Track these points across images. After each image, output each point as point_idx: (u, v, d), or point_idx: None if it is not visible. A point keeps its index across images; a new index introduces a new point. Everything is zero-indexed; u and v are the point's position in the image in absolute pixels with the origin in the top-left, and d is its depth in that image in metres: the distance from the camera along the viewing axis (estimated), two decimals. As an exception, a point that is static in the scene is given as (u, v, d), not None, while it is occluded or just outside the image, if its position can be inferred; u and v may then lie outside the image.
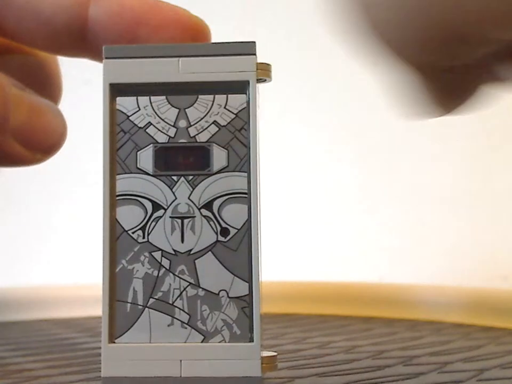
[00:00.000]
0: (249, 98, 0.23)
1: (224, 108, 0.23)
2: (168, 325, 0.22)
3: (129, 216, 0.23)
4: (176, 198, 0.23)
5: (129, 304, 0.22)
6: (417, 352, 0.30)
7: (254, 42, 0.23)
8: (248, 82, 0.23)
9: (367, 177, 0.57)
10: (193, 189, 0.23)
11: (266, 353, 0.22)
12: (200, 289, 0.22)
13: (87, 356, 0.30)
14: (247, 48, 0.23)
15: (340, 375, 0.26)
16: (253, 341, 0.22)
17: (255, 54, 0.23)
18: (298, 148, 0.59)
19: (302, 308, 0.44)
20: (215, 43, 0.23)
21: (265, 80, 0.23)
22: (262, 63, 0.23)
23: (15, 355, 0.31)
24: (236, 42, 0.23)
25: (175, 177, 0.23)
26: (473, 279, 0.51)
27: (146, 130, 0.23)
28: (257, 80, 0.23)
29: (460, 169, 0.55)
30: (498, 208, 0.54)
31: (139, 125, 0.23)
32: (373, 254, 0.56)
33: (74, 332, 0.38)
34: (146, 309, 0.22)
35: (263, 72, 0.23)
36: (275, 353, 0.22)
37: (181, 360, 0.22)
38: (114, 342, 0.22)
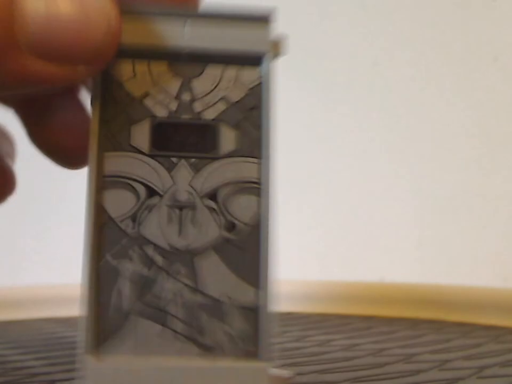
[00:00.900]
0: (264, 73, 0.20)
1: (235, 82, 0.20)
2: (159, 335, 0.19)
3: (118, 201, 0.19)
4: (174, 184, 0.19)
5: (111, 308, 0.19)
6: (417, 350, 0.30)
7: (274, 8, 0.20)
8: (263, 54, 0.20)
9: (367, 178, 0.57)
10: (195, 174, 0.19)
11: (278, 373, 0.19)
12: (199, 293, 0.19)
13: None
14: (264, 15, 0.20)
15: (340, 372, 0.26)
16: (259, 357, 0.19)
17: (273, 22, 0.20)
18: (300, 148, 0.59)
19: (303, 307, 0.44)
20: (228, 7, 0.20)
21: (280, 53, 0.20)
22: (278, 33, 0.20)
23: (15, 353, 0.31)
24: (252, 7, 0.20)
25: (174, 159, 0.19)
26: (473, 279, 0.51)
27: (143, 101, 0.20)
28: (272, 52, 0.20)
29: (460, 170, 0.55)
30: (499, 209, 0.54)
31: (134, 95, 0.20)
32: (373, 254, 0.56)
33: (74, 330, 0.38)
34: (133, 314, 0.19)
35: (279, 43, 0.20)
36: (290, 374, 0.19)
37: (172, 378, 0.18)
38: (94, 353, 0.19)
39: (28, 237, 0.62)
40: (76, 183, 0.60)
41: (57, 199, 0.61)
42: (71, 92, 0.25)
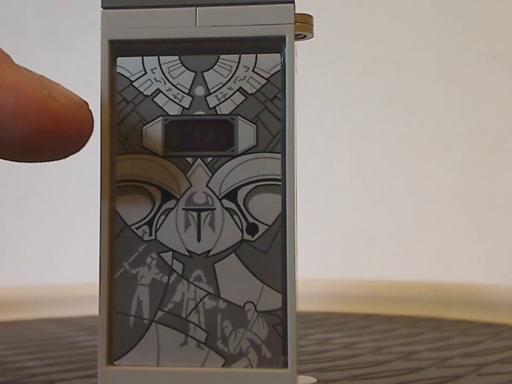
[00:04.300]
0: (285, 58, 0.18)
1: (253, 71, 0.18)
2: (181, 345, 0.18)
3: (133, 207, 0.18)
4: (191, 186, 0.18)
5: (132, 318, 0.18)
6: (417, 348, 0.30)
7: None
8: (284, 38, 0.18)
9: (367, 177, 0.57)
10: (213, 174, 0.18)
11: (304, 380, 0.19)
12: (221, 300, 0.18)
13: (86, 354, 0.30)
14: None
15: (340, 370, 0.26)
16: (287, 367, 0.18)
17: (293, 2, 0.18)
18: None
19: (302, 306, 0.44)
20: None
21: (305, 36, 0.18)
22: (302, 14, 0.18)
23: (15, 353, 0.31)
24: None
25: (190, 159, 0.18)
26: (473, 277, 0.51)
27: (154, 99, 0.18)
28: (295, 36, 0.18)
29: (460, 169, 0.55)
30: (498, 208, 0.54)
31: (145, 93, 0.19)
32: (373, 252, 0.56)
33: (74, 330, 0.38)
34: (154, 323, 0.18)
35: (303, 25, 0.18)
36: (314, 380, 0.19)
37: None
38: (113, 365, 0.18)
39: (28, 237, 0.62)
40: (77, 184, 0.60)
41: (57, 199, 0.61)
42: None
